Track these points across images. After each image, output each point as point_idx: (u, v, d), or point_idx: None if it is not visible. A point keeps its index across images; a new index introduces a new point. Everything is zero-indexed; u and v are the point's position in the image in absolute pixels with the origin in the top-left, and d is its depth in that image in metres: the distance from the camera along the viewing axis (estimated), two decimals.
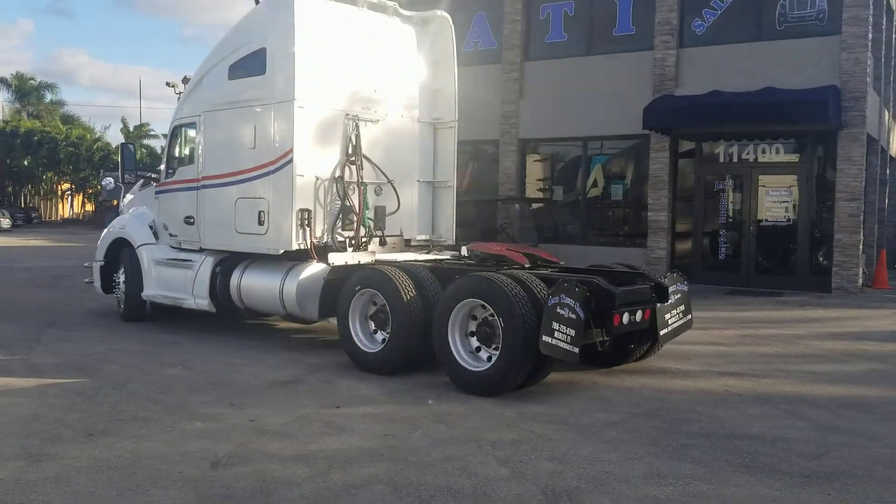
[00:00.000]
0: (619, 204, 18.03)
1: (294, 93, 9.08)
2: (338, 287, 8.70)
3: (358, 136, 9.77)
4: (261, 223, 9.50)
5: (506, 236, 17.13)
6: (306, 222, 9.34)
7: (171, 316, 11.31)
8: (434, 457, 5.45)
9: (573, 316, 6.87)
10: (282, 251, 9.29)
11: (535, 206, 19.03)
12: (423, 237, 10.83)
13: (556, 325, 6.82)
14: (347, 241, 9.64)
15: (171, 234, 11.02)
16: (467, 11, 18.50)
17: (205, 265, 10.31)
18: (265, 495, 4.72)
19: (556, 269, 8.60)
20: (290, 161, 9.16)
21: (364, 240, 9.72)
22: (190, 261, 10.55)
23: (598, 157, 18.35)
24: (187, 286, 10.46)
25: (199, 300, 10.30)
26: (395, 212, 10.14)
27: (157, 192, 11.46)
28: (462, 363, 7.42)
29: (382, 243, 9.99)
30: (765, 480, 5.06)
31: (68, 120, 61.27)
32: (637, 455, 5.55)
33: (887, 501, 4.76)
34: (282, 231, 9.28)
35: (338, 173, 9.62)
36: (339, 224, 9.71)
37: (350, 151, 9.71)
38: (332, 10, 9.67)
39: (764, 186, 15.96)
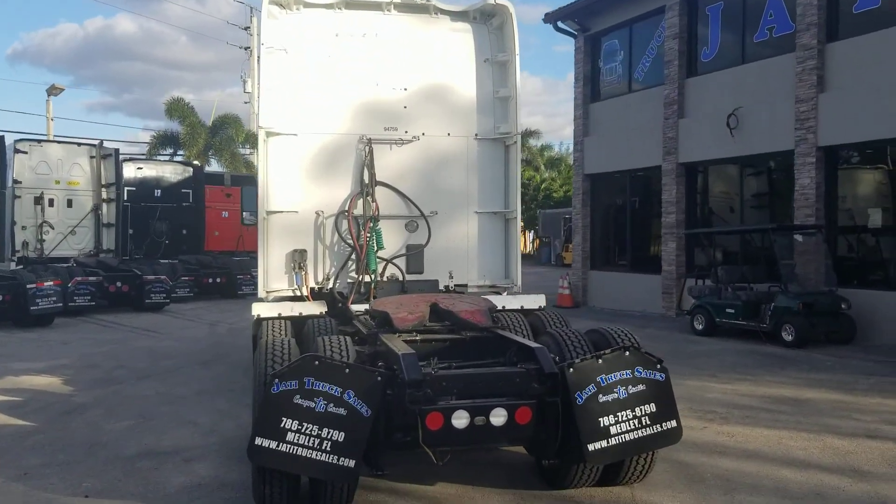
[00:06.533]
0: None
1: (259, 119, 8.10)
2: None
3: (371, 163, 8.30)
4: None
5: (792, 279, 12.94)
6: (298, 265, 8.23)
7: None
8: None
9: (340, 411, 4.68)
10: (262, 296, 8.28)
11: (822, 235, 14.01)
12: (484, 283, 8.69)
13: (289, 424, 4.65)
14: (353, 287, 8.23)
15: None
16: None
17: None
18: None
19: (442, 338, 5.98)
20: (265, 196, 8.18)
21: (371, 286, 8.16)
22: None
23: None
24: None
25: None
26: (423, 247, 8.39)
27: None
28: None
29: (403, 290, 8.25)
30: None
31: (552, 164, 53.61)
32: None
33: None
34: (262, 274, 8.29)
35: (345, 207, 8.30)
36: (353, 266, 8.37)
37: (366, 180, 8.31)
38: (326, 20, 8.40)
39: None
